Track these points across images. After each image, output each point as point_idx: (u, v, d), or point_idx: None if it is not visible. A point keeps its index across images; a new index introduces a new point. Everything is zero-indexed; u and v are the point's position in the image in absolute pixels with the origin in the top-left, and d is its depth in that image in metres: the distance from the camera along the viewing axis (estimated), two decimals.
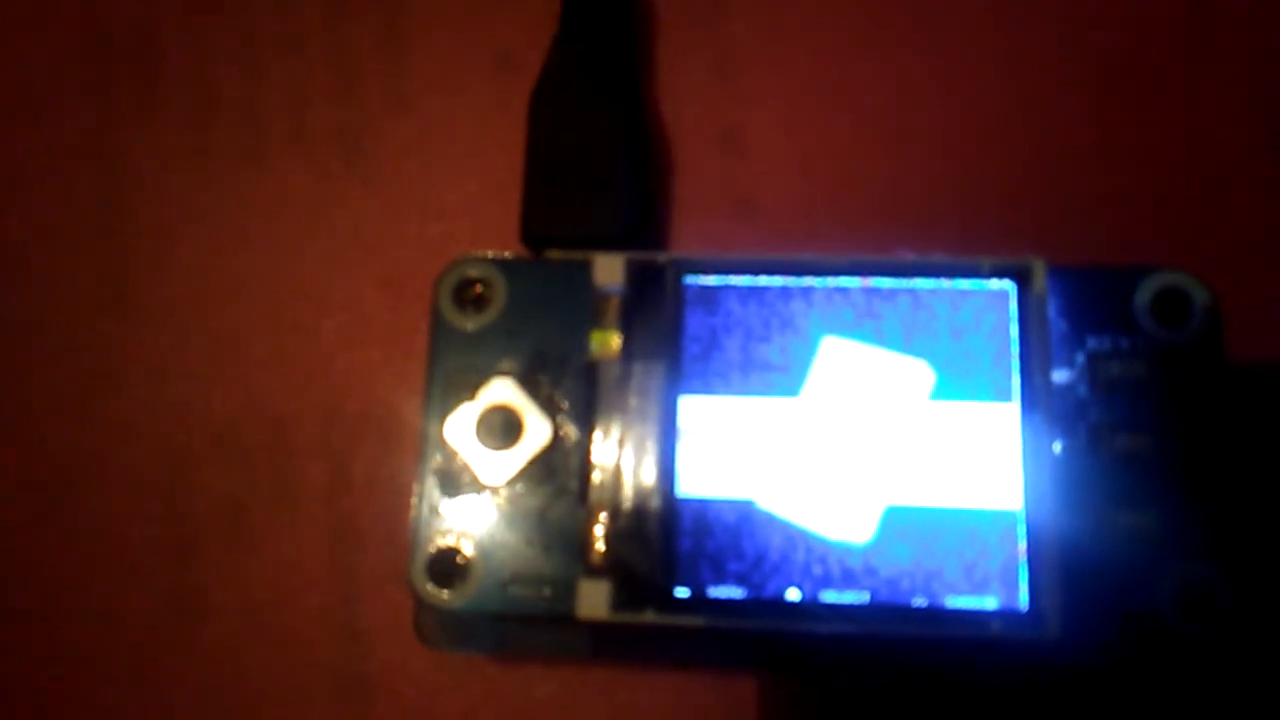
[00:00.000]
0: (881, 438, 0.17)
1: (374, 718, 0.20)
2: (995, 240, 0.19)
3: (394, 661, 0.20)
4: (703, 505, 0.17)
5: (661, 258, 0.18)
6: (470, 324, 0.19)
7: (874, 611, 0.17)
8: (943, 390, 0.18)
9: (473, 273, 0.19)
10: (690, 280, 0.18)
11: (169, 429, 0.22)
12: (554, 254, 0.19)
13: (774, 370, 0.18)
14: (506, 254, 0.19)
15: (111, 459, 0.22)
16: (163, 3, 0.24)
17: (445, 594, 0.18)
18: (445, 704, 0.20)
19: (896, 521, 0.17)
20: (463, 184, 0.22)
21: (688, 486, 0.18)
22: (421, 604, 0.18)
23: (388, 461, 0.21)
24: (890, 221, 0.21)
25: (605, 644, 0.20)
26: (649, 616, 0.17)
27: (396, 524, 0.20)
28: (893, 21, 0.22)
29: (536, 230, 0.20)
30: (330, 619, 0.21)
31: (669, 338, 0.18)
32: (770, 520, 0.17)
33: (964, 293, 0.18)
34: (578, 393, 0.18)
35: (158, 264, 0.23)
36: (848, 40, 0.22)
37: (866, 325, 0.18)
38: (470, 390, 0.18)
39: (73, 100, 0.23)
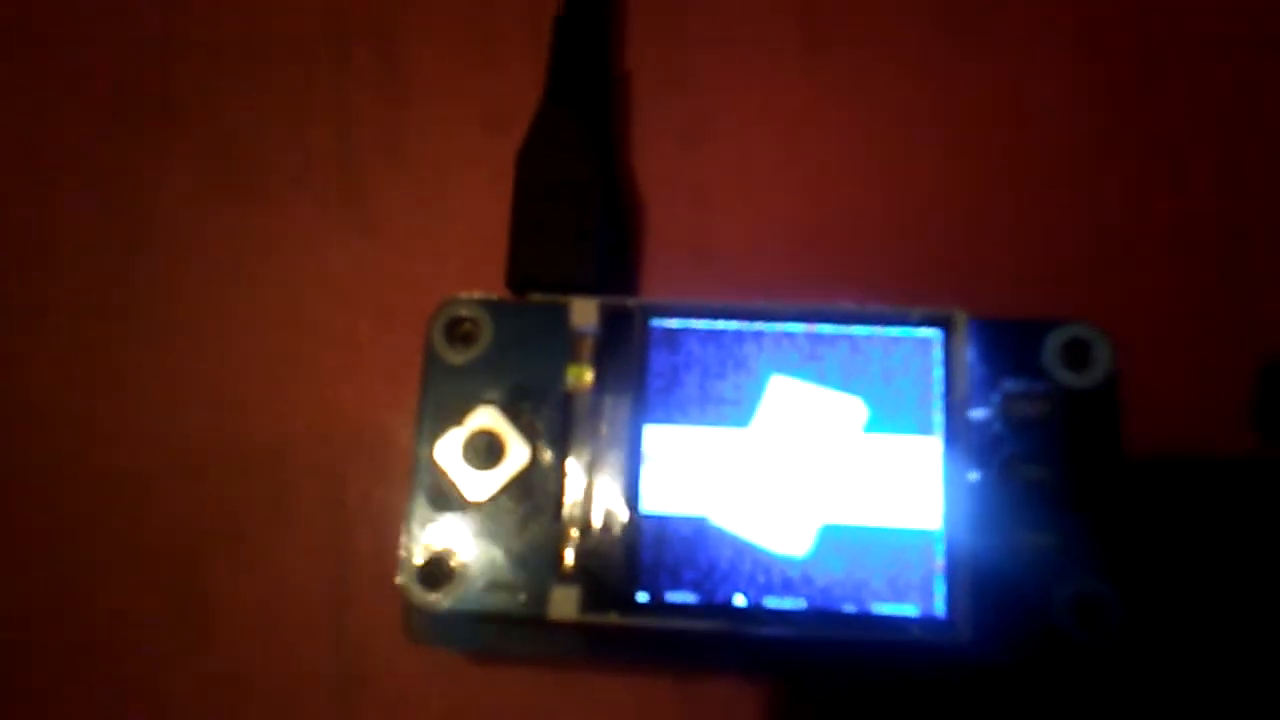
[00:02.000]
0: (820, 464, 0.20)
1: (363, 712, 0.22)
2: (925, 294, 0.22)
3: (383, 661, 0.22)
4: (662, 521, 0.20)
5: (630, 302, 0.21)
6: (459, 358, 0.21)
7: (810, 617, 0.19)
8: (874, 424, 0.20)
9: (462, 312, 0.21)
10: (655, 323, 0.21)
11: (179, 447, 0.23)
12: (535, 297, 0.21)
13: (727, 404, 0.20)
14: (493, 296, 0.21)
15: (123, 474, 0.23)
16: (183, 58, 0.26)
17: (433, 597, 0.20)
18: (429, 699, 0.22)
19: (831, 538, 0.19)
20: (454, 230, 0.24)
21: (649, 504, 0.20)
22: (411, 606, 0.20)
23: (380, 481, 0.23)
24: (834, 274, 0.23)
25: (578, 646, 0.22)
26: (613, 618, 0.19)
27: (387, 538, 0.21)
28: (839, 99, 0.24)
29: (520, 275, 0.22)
30: (324, 623, 0.23)
31: (635, 373, 0.20)
32: (721, 535, 0.20)
33: (895, 339, 0.20)
34: (554, 421, 0.20)
35: (170, 296, 0.24)
36: (799, 113, 0.24)
37: (809, 366, 0.20)
38: (458, 417, 0.21)
39: (100, 142, 0.25)
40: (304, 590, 0.23)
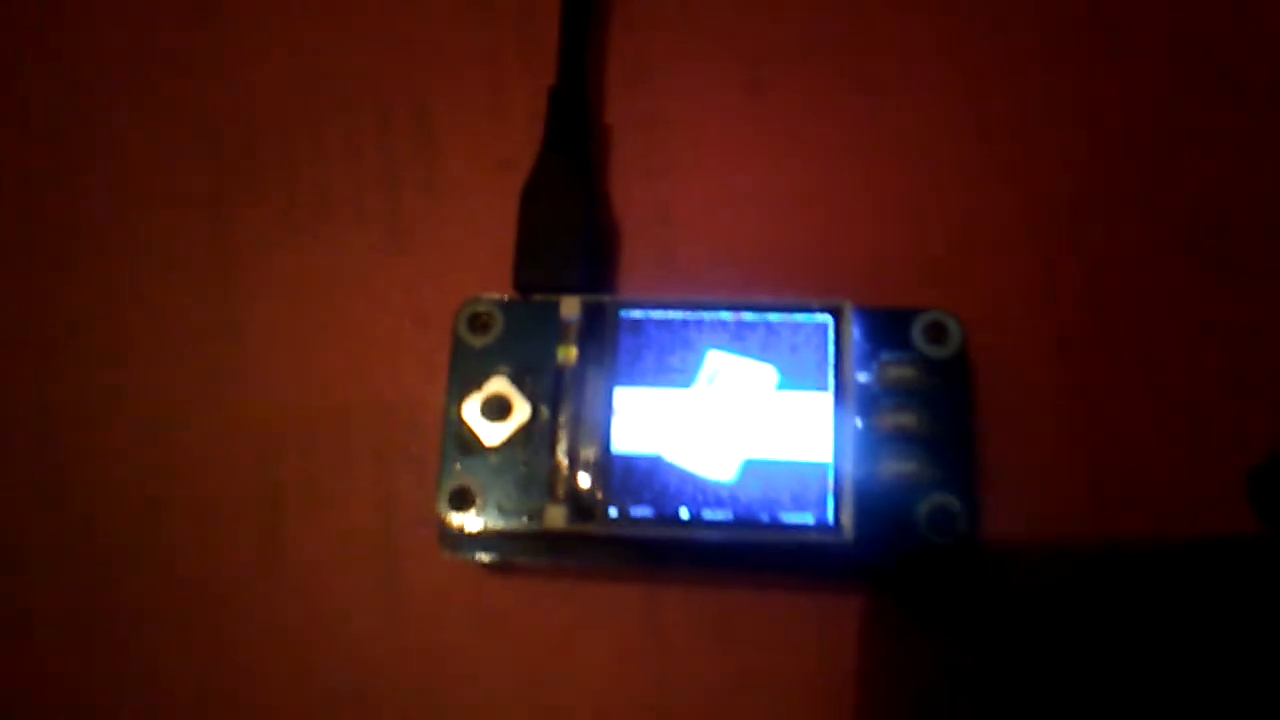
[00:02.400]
0: (743, 415, 0.27)
1: (407, 612, 0.29)
2: (824, 287, 0.28)
3: (423, 572, 0.28)
4: (628, 458, 0.25)
5: (605, 299, 0.27)
6: (478, 342, 0.27)
7: (735, 525, 0.24)
8: (784, 384, 0.27)
9: (480, 308, 0.27)
10: (624, 314, 0.27)
11: (265, 418, 0.28)
12: (536, 296, 0.28)
13: (676, 371, 0.26)
14: (504, 296, 0.26)
15: (217, 438, 0.28)
16: (263, 105, 0.31)
17: (460, 518, 0.27)
18: (458, 599, 0.28)
19: (751, 468, 0.26)
20: (474, 248, 0.29)
21: (618, 446, 0.25)
22: (444, 525, 0.27)
23: (420, 439, 0.27)
24: (765, 275, 0.30)
25: (570, 556, 0.28)
26: (591, 528, 0.26)
27: (425, 480, 0.26)
28: (773, 134, 0.29)
29: (524, 280, 0.26)
30: (379, 547, 0.28)
31: (609, 351, 0.27)
32: (670, 467, 0.25)
33: (799, 323, 0.27)
34: (548, 387, 0.26)
35: (255, 312, 0.29)
36: (741, 148, 0.31)
37: (736, 343, 0.27)
38: (477, 384, 0.26)
39: (192, 187, 0.31)
40: (363, 524, 0.27)
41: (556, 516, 0.25)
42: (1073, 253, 0.28)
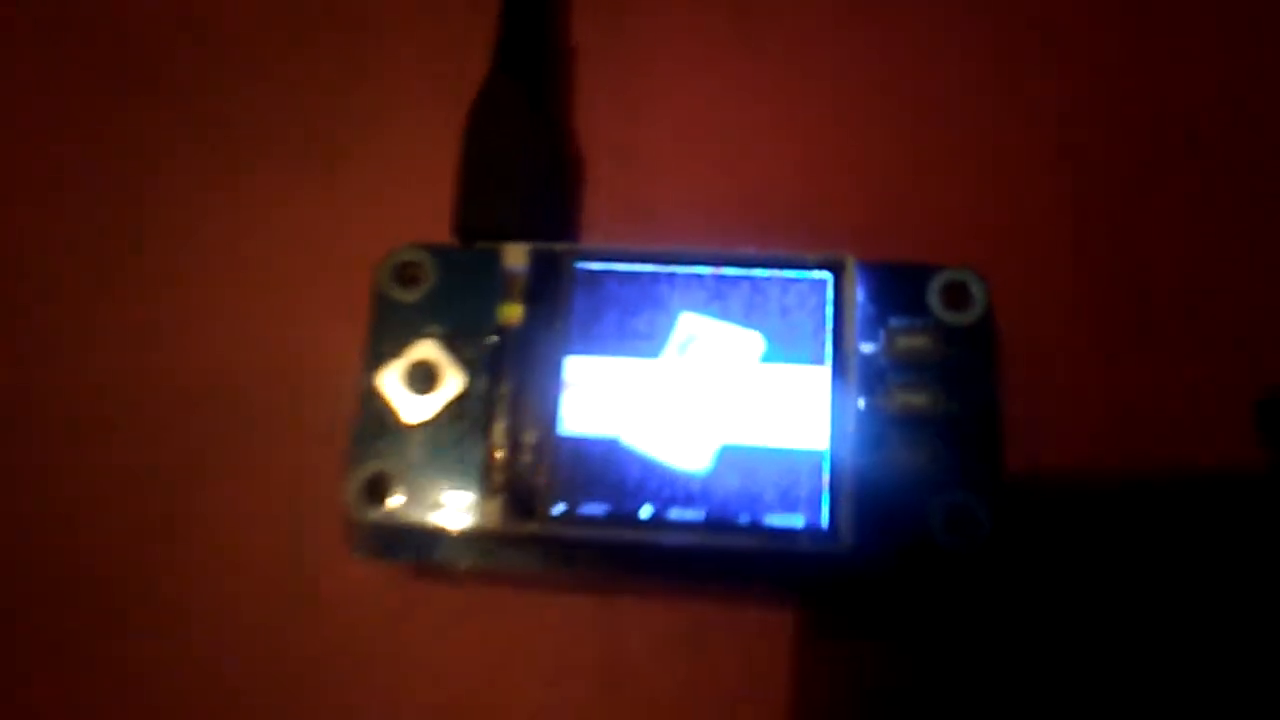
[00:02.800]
0: (721, 391, 0.22)
1: (313, 623, 0.25)
2: (818, 241, 0.24)
3: (332, 574, 0.24)
4: (579, 441, 0.22)
5: (558, 247, 0.23)
6: (405, 298, 0.23)
7: (708, 526, 0.21)
8: (770, 355, 0.22)
9: (408, 258, 0.23)
10: (580, 265, 0.23)
11: (149, 384, 0.25)
12: (478, 244, 0.24)
13: (641, 337, 0.22)
14: (437, 242, 0.24)
15: (96, 412, 0.25)
16: (168, 35, 0.28)
17: (372, 510, 0.22)
18: (373, 609, 0.24)
19: (729, 457, 0.21)
20: (411, 187, 0.26)
21: (568, 426, 0.22)
22: (354, 520, 0.22)
23: (333, 412, 0.25)
24: (752, 227, 0.26)
25: (509, 557, 0.24)
26: (532, 527, 0.21)
27: (339, 463, 0.23)
28: (761, 67, 0.26)
29: (465, 224, 0.24)
30: (282, 539, 0.25)
31: (560, 310, 0.23)
32: (630, 454, 0.22)
33: (792, 280, 0.22)
34: (487, 353, 0.23)
35: (142, 247, 0.26)
36: (724, 80, 0.27)
37: (715, 304, 0.22)
38: (401, 349, 0.23)
39: (87, 97, 0.28)
40: (264, 511, 0.24)
41: (491, 513, 0.21)
42: (1103, 199, 0.24)
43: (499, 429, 0.21)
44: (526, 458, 0.21)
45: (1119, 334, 0.24)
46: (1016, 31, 0.26)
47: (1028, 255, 0.24)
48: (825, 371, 0.21)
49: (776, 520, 0.21)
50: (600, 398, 0.21)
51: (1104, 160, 0.25)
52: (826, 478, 0.21)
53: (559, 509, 0.21)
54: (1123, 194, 0.25)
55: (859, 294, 0.21)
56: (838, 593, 0.23)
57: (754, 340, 0.21)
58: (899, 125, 0.25)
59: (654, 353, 0.21)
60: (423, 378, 0.22)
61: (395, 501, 0.21)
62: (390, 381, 0.22)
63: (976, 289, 0.22)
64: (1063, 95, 0.26)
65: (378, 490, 0.22)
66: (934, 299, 0.22)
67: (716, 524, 0.21)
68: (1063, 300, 0.24)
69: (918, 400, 0.21)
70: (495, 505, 0.21)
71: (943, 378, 0.22)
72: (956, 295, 0.22)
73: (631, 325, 0.22)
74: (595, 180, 0.26)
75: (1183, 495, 0.23)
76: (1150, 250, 0.25)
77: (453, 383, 0.22)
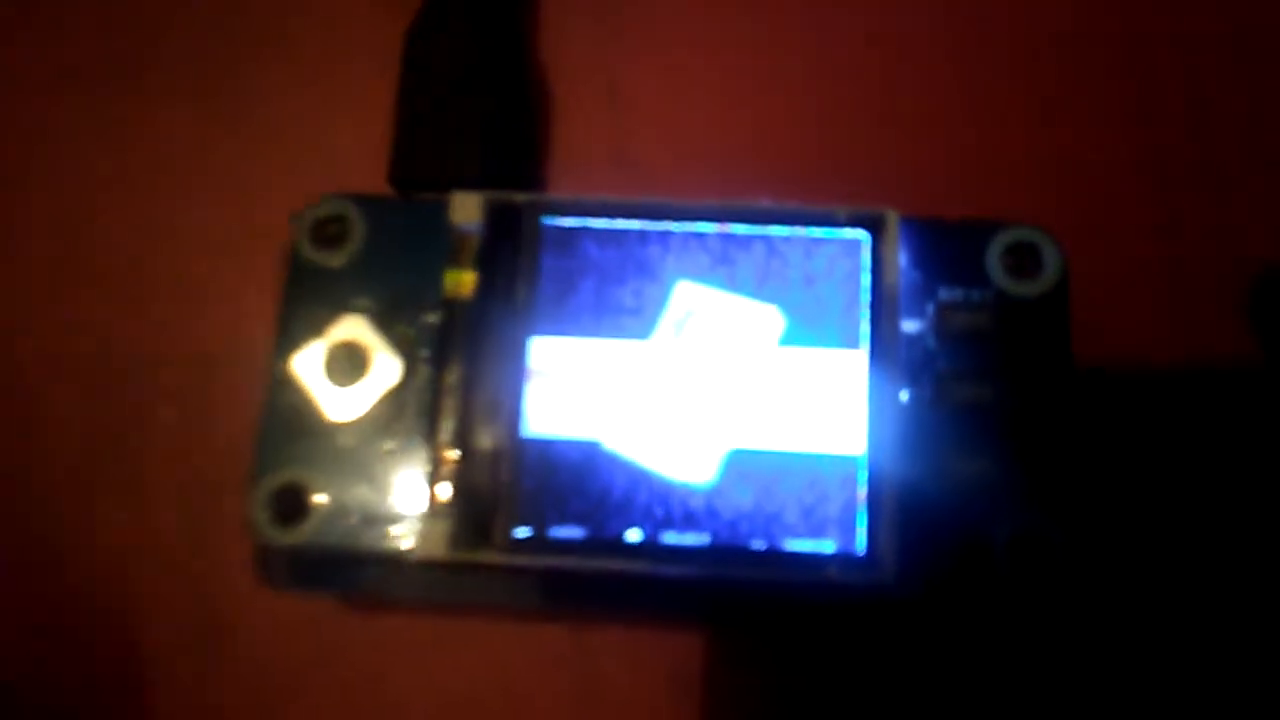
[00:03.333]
0: (729, 382, 0.17)
1: (222, 665, 0.20)
2: (862, 194, 0.19)
3: (242, 607, 0.20)
4: (548, 445, 0.17)
5: (519, 198, 0.18)
6: (327, 262, 0.19)
7: (714, 554, 0.17)
8: (792, 336, 0.18)
9: (329, 211, 0.19)
10: (547, 221, 0.18)
11: (28, 361, 0.21)
12: (419, 195, 0.19)
13: (626, 313, 0.18)
14: (366, 193, 0.19)
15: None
16: None
17: (285, 531, 0.17)
18: (293, 650, 0.20)
19: (740, 465, 0.17)
20: (338, 125, 0.22)
21: (534, 426, 0.17)
22: (261, 543, 0.18)
23: (245, 403, 0.21)
24: (760, 174, 0.21)
25: (463, 588, 0.19)
26: (489, 556, 0.17)
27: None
28: None
29: (404, 171, 0.20)
30: (181, 564, 0.20)
31: (523, 278, 0.18)
32: (614, 461, 0.17)
33: (818, 241, 0.18)
34: (430, 331, 0.18)
35: (23, 199, 0.22)
36: (721, 9, 0.22)
37: (721, 271, 0.18)
38: (321, 327, 0.18)
39: None
40: (161, 535, 0.20)
41: (433, 538, 0.16)
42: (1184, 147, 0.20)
43: (446, 430, 0.17)
44: (481, 467, 0.17)
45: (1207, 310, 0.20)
46: None
47: (1107, 212, 0.20)
48: (861, 356, 0.17)
49: (800, 545, 0.17)
50: (575, 390, 0.17)
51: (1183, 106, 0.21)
52: (863, 492, 0.17)
53: (523, 532, 0.17)
54: (1204, 147, 0.20)
55: (902, 258, 0.17)
56: (879, 631, 0.18)
57: (771, 317, 0.17)
58: (943, 56, 0.22)
59: (643, 333, 0.18)
60: (349, 364, 0.18)
61: (314, 521, 0.17)
62: (308, 368, 0.18)
63: (1049, 252, 0.17)
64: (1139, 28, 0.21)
65: (292, 506, 0.17)
66: (995, 265, 0.18)
67: (724, 550, 0.17)
68: (1145, 269, 0.20)
69: (976, 392, 0.17)
70: (439, 528, 0.17)
71: (1007, 363, 0.17)
72: (1024, 260, 0.18)
73: (615, 297, 0.18)
74: (571, 118, 0.22)
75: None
76: (1244, 213, 0.20)
77: (387, 370, 0.17)
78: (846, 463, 0.17)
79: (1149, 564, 0.19)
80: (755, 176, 0.21)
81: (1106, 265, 0.20)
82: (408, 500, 0.17)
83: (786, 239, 0.18)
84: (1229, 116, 0.21)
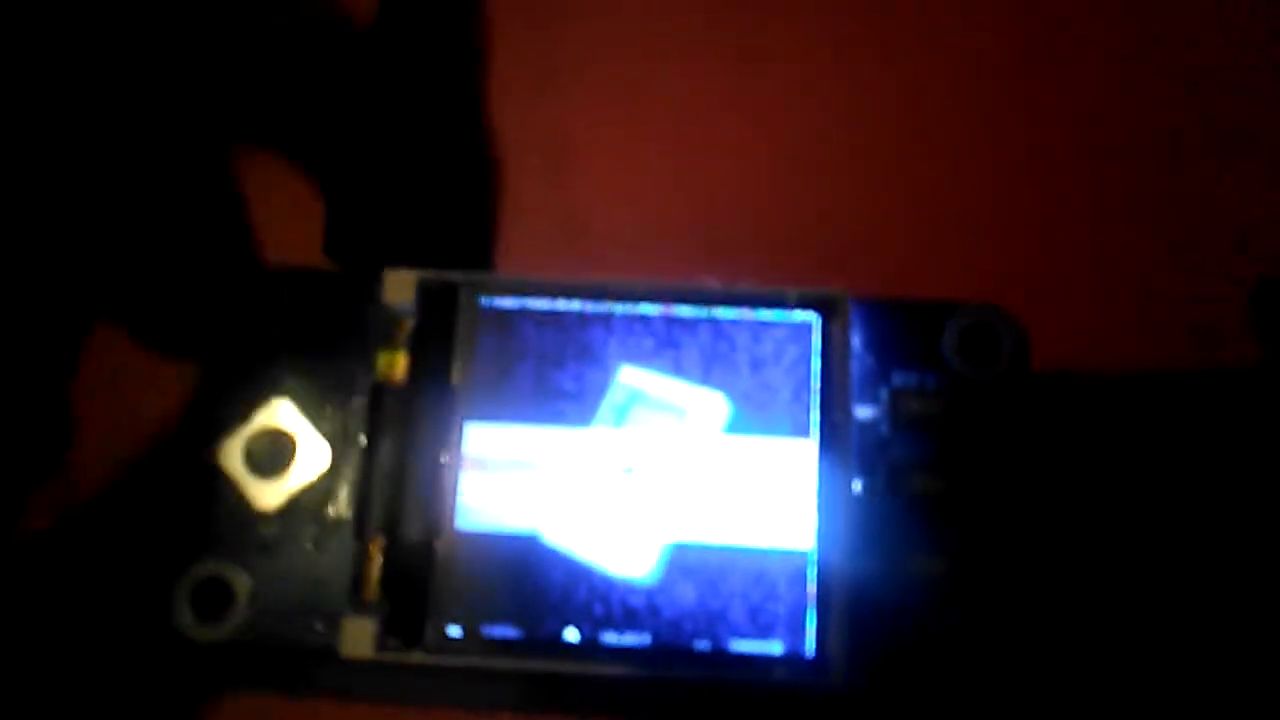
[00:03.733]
0: (672, 472, 0.17)
1: None
2: (813, 275, 0.19)
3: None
4: (483, 538, 0.16)
5: (455, 276, 0.17)
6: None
7: (655, 655, 0.16)
8: (739, 424, 0.17)
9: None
10: (485, 301, 0.17)
11: None
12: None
13: (566, 399, 0.17)
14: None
15: None
16: None
17: (206, 627, 0.16)
18: None
19: (683, 560, 0.16)
20: (272, 193, 0.21)
21: (468, 519, 0.17)
22: (181, 639, 0.17)
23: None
24: (710, 245, 0.20)
25: (397, 685, 0.18)
26: (417, 657, 0.16)
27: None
28: (719, 50, 0.21)
29: (336, 242, 0.19)
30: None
31: (459, 361, 0.17)
32: (552, 555, 0.16)
33: (767, 324, 0.17)
34: (359, 419, 0.17)
35: None
36: (680, 75, 0.22)
37: (665, 355, 0.17)
38: (246, 413, 0.17)
39: None
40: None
41: (359, 637, 0.15)
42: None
43: (375, 521, 0.16)
44: (412, 560, 0.16)
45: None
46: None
47: (1061, 290, 0.19)
48: (811, 445, 0.16)
49: (745, 646, 0.16)
50: (512, 480, 0.16)
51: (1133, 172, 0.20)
52: (812, 589, 0.16)
53: (455, 631, 0.15)
54: (1153, 213, 0.20)
55: (855, 341, 0.16)
56: None
57: (716, 404, 0.16)
58: (898, 131, 0.21)
59: (584, 420, 0.16)
60: (272, 452, 0.17)
61: (239, 616, 0.16)
62: (231, 456, 0.16)
63: (1007, 333, 0.16)
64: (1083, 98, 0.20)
65: (214, 601, 0.16)
66: (951, 346, 0.16)
67: (666, 651, 0.16)
68: (1104, 345, 0.19)
69: (930, 482, 0.16)
70: (365, 626, 0.16)
71: (962, 451, 0.16)
72: (981, 342, 0.17)
73: (554, 382, 0.17)
74: (516, 190, 0.21)
75: None
76: (1202, 276, 0.20)
77: (313, 457, 0.17)
78: (795, 557, 0.16)
79: (1142, 600, 0.18)
80: (707, 250, 0.21)
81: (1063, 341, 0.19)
82: (336, 596, 0.17)
83: (734, 322, 0.17)
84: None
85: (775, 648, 0.16)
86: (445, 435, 0.17)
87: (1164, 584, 0.18)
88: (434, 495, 0.17)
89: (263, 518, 0.17)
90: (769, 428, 0.17)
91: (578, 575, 0.16)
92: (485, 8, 0.22)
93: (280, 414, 0.17)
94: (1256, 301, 0.20)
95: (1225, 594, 0.18)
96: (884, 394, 0.17)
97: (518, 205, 0.21)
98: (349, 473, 0.17)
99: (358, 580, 0.17)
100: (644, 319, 0.17)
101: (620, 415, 0.17)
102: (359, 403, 0.17)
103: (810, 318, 0.17)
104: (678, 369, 0.17)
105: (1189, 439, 0.19)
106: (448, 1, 0.21)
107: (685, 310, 0.17)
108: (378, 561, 0.17)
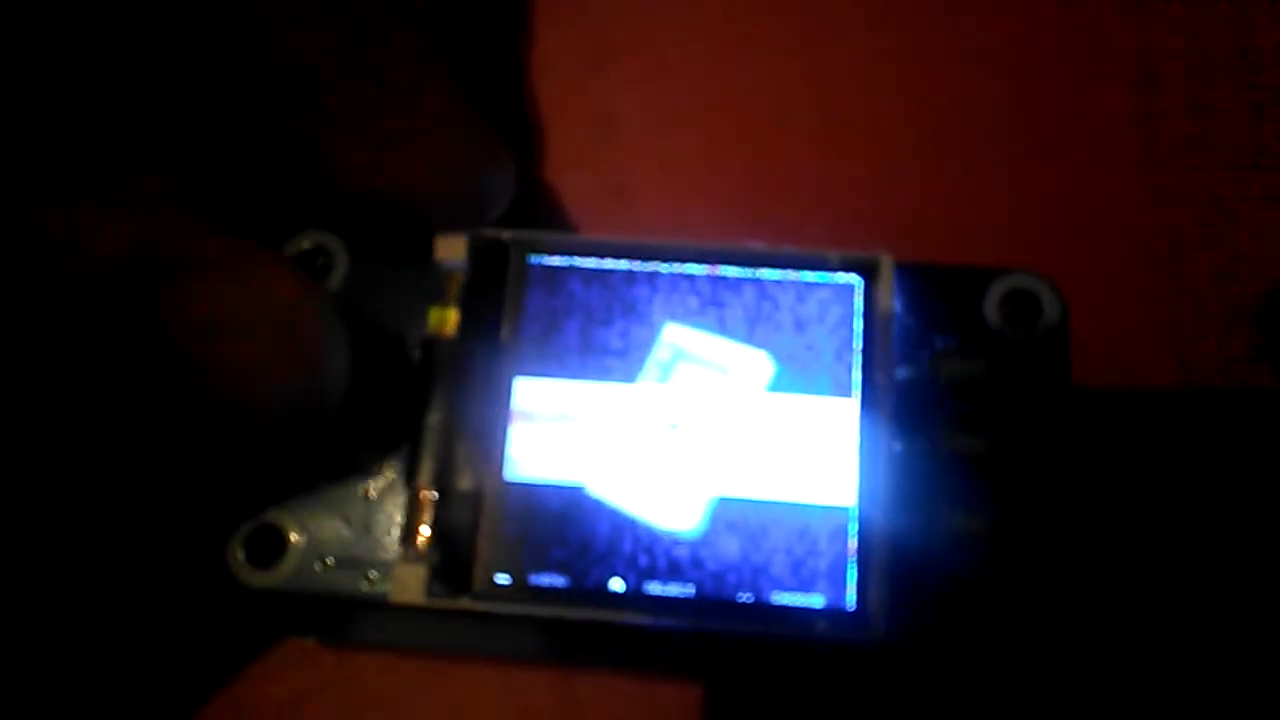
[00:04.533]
0: (716, 428, 0.17)
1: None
2: (857, 236, 0.19)
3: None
4: (530, 490, 0.17)
5: (505, 235, 0.18)
6: None
7: (698, 606, 0.16)
8: (782, 383, 0.17)
9: (313, 242, 0.18)
10: (533, 259, 0.18)
11: None
12: None
13: (612, 355, 0.17)
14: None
15: None
16: None
17: (260, 573, 0.17)
18: (273, 691, 0.19)
19: (726, 514, 0.17)
20: None
21: (516, 470, 0.17)
22: (233, 582, 0.17)
23: None
24: (754, 211, 0.21)
25: (446, 632, 0.19)
26: (465, 603, 0.16)
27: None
28: (765, 20, 0.22)
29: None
30: None
31: (508, 317, 0.17)
32: (598, 507, 0.17)
33: (810, 285, 0.17)
34: (412, 369, 0.18)
35: None
36: (725, 37, 0.22)
37: (710, 313, 0.17)
38: None
39: None
40: None
41: (410, 583, 0.15)
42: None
43: (426, 471, 0.16)
44: (462, 510, 0.16)
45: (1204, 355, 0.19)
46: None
47: (1104, 255, 0.19)
48: (852, 405, 0.17)
49: (787, 599, 0.16)
50: (559, 433, 0.16)
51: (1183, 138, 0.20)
52: (853, 544, 0.16)
53: (503, 579, 0.16)
54: (1208, 186, 0.20)
55: (896, 304, 0.17)
56: (867, 684, 0.18)
57: (760, 362, 0.16)
58: (941, 96, 0.21)
59: (629, 376, 0.17)
60: None
61: (291, 563, 0.16)
62: None
63: (1048, 298, 0.17)
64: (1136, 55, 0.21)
65: (269, 548, 0.17)
66: (993, 312, 0.17)
67: (709, 603, 0.16)
68: (1145, 313, 0.19)
69: (972, 443, 0.16)
70: (416, 573, 0.16)
71: (1002, 412, 0.17)
72: (1022, 307, 0.17)
73: (600, 339, 0.17)
74: (561, 152, 0.22)
75: None
76: (1246, 247, 0.20)
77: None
78: (836, 514, 0.17)
79: (1155, 601, 0.19)
80: (749, 213, 0.21)
81: (1109, 299, 0.19)
82: (387, 544, 0.17)
83: (778, 283, 0.17)
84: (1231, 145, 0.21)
85: (817, 601, 0.16)
86: (495, 389, 0.17)
87: (1200, 547, 0.19)
88: (483, 447, 0.17)
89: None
90: (811, 386, 0.17)
91: (623, 527, 0.17)
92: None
93: None
94: (1260, 323, 0.20)
95: (1266, 564, 0.19)
96: (925, 356, 0.17)
97: (562, 171, 0.22)
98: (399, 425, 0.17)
99: (409, 529, 0.17)
100: (689, 278, 0.18)
101: (665, 372, 0.17)
102: (411, 356, 0.18)
103: (853, 280, 0.17)
104: (722, 327, 0.17)
105: (1227, 411, 0.19)
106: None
107: (730, 270, 0.18)
108: (429, 510, 0.17)
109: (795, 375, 0.17)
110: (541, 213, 0.21)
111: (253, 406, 0.14)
